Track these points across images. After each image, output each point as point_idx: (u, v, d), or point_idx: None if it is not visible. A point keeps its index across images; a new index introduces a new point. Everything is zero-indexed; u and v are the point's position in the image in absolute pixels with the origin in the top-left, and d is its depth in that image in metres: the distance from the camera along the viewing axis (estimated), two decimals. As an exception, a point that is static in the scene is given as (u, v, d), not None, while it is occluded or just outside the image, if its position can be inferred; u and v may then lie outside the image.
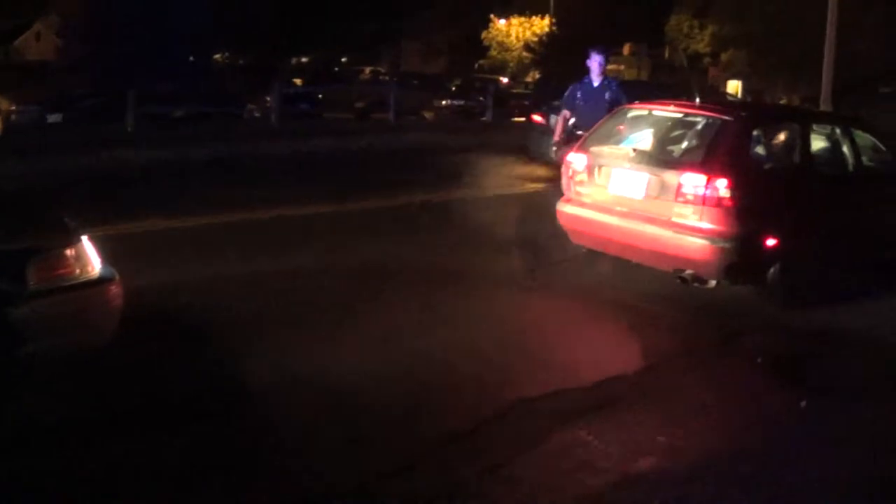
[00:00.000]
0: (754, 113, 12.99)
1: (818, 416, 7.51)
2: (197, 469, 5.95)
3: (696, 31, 74.89)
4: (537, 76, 68.09)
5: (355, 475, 5.91)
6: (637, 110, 11.98)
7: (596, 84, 13.23)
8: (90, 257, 6.79)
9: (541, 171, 20.31)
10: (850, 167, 11.84)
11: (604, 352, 8.87)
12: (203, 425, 6.54)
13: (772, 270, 10.32)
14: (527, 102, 48.03)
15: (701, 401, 7.65)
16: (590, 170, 11.23)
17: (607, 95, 12.97)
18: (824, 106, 30.72)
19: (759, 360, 8.72)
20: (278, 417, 6.77)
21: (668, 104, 11.95)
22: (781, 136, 11.54)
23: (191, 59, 37.96)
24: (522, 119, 42.70)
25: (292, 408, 6.92)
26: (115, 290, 6.93)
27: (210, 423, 6.59)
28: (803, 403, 7.71)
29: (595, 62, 13.28)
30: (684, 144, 11.05)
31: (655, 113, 11.60)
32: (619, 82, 13.27)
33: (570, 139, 12.93)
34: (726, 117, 10.73)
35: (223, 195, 15.69)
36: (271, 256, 11.60)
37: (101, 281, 6.82)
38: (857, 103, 54.22)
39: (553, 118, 18.67)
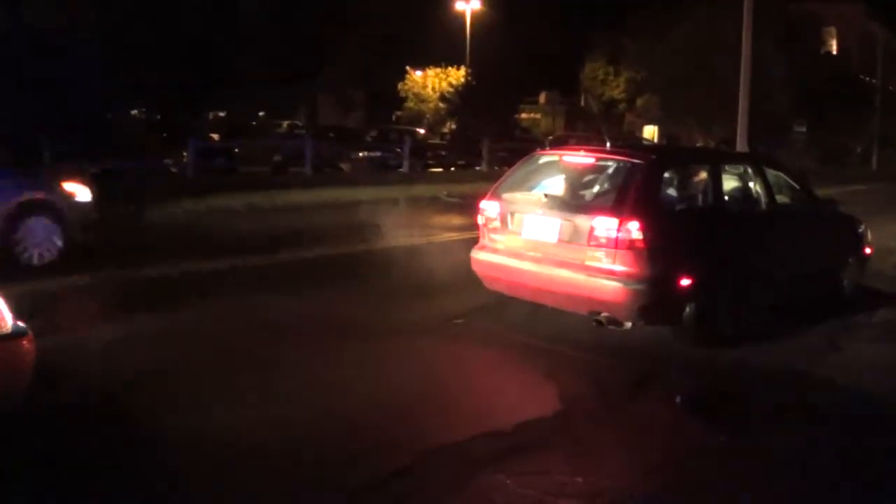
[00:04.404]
0: (664, 155, 13.09)
1: (736, 452, 7.58)
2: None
3: (611, 77, 75.74)
4: (453, 127, 68.35)
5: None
6: (548, 156, 12.06)
7: None
8: (2, 312, 6.64)
9: (457, 219, 20.39)
10: (763, 205, 12.02)
11: (521, 396, 8.86)
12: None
13: (686, 310, 10.41)
14: (443, 153, 48.20)
15: (618, 441, 7.69)
16: (503, 217, 11.27)
17: None
18: (740, 147, 31.17)
19: (677, 399, 8.78)
20: (187, 475, 6.65)
21: (579, 149, 12.04)
22: (693, 178, 11.63)
23: (108, 115, 37.40)
24: (440, 169, 42.89)
25: (198, 464, 6.80)
26: (27, 345, 6.73)
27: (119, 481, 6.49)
28: (722, 439, 7.79)
29: None
30: (596, 189, 11.12)
31: (566, 158, 11.68)
32: None
33: None
34: (636, 160, 10.79)
35: (136, 250, 15.51)
36: (187, 311, 11.49)
37: (13, 336, 6.64)
38: (773, 143, 55.34)
39: None
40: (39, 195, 14.59)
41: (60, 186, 15.06)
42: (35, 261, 14.21)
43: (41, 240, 14.37)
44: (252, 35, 44.03)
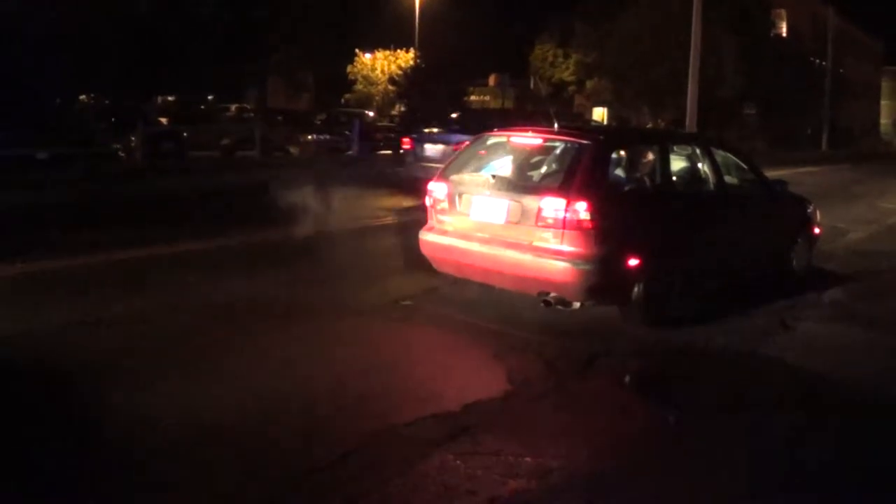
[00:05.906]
0: (612, 136, 13.10)
1: (684, 432, 7.59)
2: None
3: (561, 59, 75.85)
4: (402, 109, 68.23)
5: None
6: (496, 137, 12.02)
7: None
8: None
9: (406, 201, 20.36)
10: (712, 186, 12.06)
11: (469, 377, 8.85)
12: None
13: (635, 290, 10.44)
14: (392, 135, 48.28)
15: (567, 422, 7.69)
16: (451, 198, 11.25)
17: None
18: (689, 128, 31.30)
19: (626, 379, 8.78)
20: (139, 456, 6.58)
21: (527, 130, 12.02)
22: (640, 158, 11.62)
23: (57, 100, 37.03)
24: (389, 152, 42.93)
25: (145, 447, 6.73)
26: None
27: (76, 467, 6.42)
28: (671, 419, 7.80)
29: None
30: (543, 169, 11.13)
31: (514, 139, 11.66)
32: None
33: None
34: (584, 141, 10.80)
35: (87, 237, 15.32)
36: (136, 296, 11.38)
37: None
38: (723, 125, 55.65)
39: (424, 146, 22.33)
40: None
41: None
42: None
43: None
44: (202, 17, 43.74)
